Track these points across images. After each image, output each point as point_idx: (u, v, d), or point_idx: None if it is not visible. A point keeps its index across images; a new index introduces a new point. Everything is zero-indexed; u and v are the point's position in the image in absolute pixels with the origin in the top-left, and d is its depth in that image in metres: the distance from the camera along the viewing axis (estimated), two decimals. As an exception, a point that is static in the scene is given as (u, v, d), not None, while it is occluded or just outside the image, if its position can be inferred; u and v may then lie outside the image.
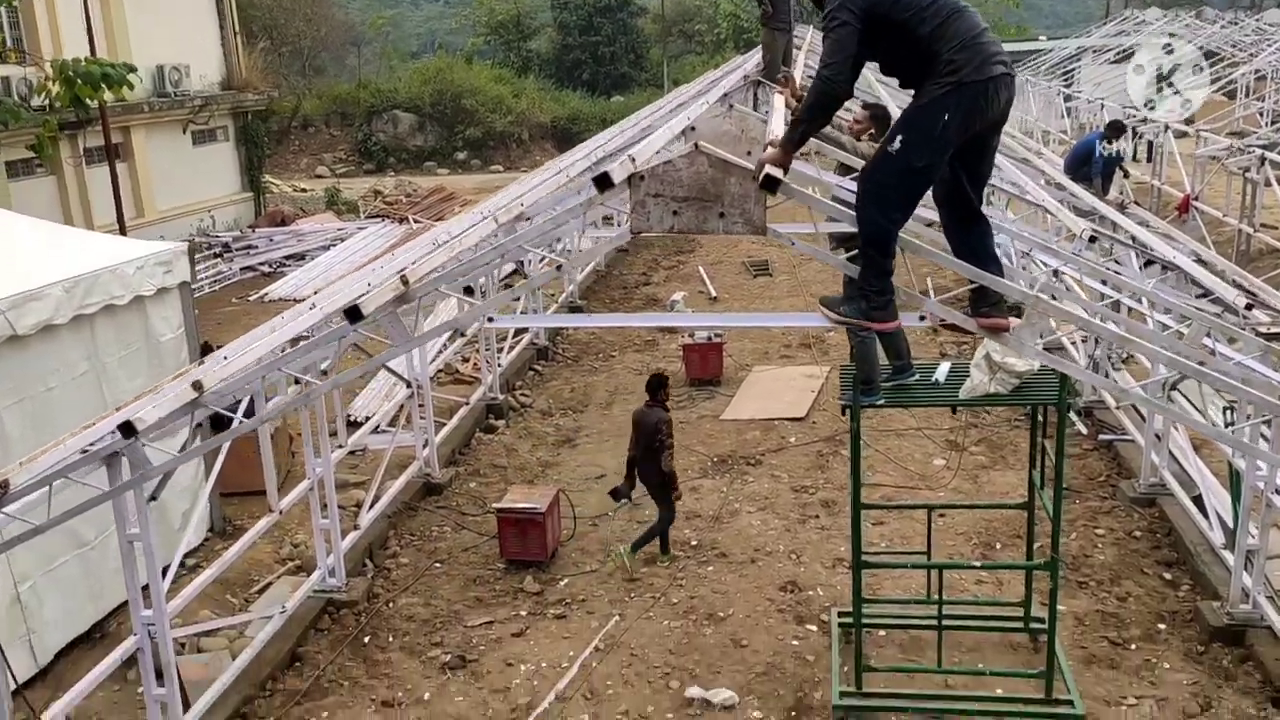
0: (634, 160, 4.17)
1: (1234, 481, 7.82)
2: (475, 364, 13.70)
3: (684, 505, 10.08)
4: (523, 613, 8.34)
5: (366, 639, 8.04)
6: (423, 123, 41.00)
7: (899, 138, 4.55)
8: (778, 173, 4.23)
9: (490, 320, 5.12)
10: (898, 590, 8.18)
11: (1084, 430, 11.31)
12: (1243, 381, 5.01)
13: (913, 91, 4.74)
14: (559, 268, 4.84)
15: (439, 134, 40.77)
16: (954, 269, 4.78)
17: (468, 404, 12.41)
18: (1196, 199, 17.66)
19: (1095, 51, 32.35)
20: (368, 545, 9.24)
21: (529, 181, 7.14)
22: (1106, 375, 11.08)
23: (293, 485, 8.92)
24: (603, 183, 3.95)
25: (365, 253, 21.56)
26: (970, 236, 4.91)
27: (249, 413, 5.84)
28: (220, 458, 7.64)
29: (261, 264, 21.74)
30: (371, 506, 9.58)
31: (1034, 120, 29.44)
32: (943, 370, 6.86)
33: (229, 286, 20.56)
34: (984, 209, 5.01)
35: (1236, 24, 28.21)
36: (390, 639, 8.05)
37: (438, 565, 9.19)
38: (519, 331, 14.93)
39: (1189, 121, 21.50)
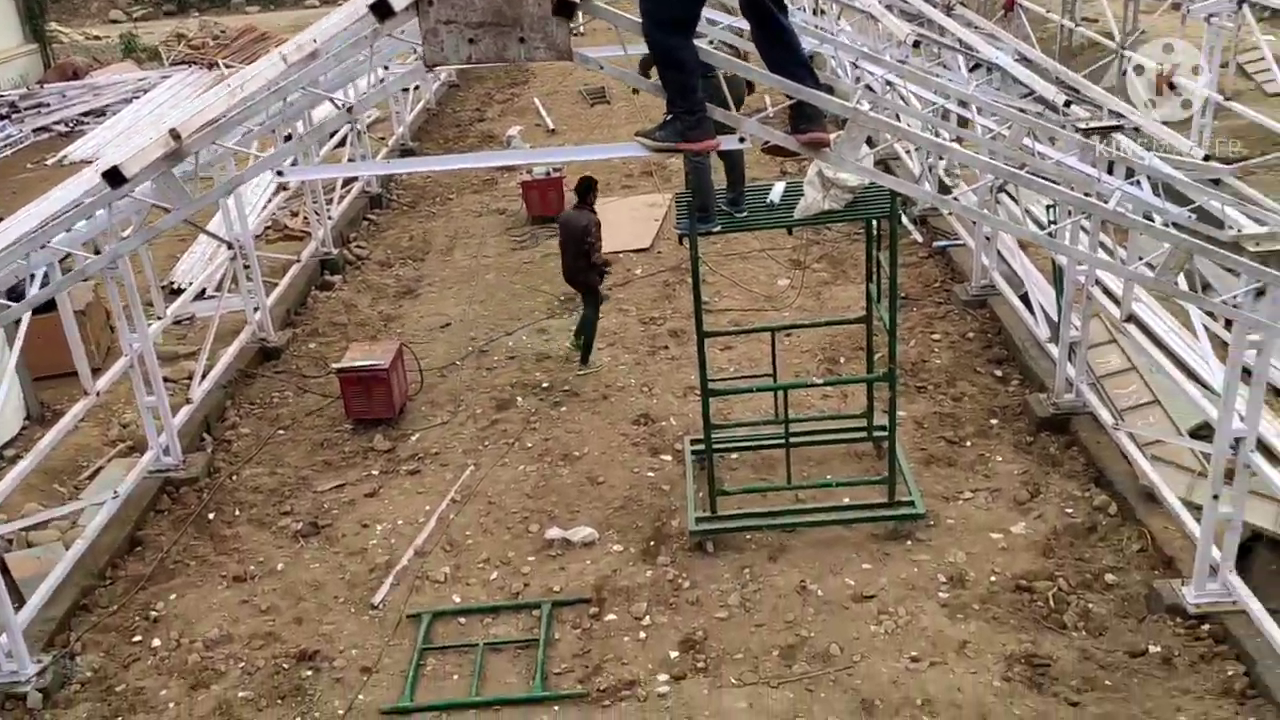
0: (419, -15, 3.75)
1: (1057, 277, 8.09)
2: (304, 218, 12.99)
3: (532, 347, 9.96)
4: (374, 472, 8.16)
5: (211, 515, 7.75)
6: (226, -45, 37.59)
7: None
8: None
9: (280, 173, 4.69)
10: (748, 412, 8.30)
11: (919, 238, 11.54)
12: (1061, 179, 5.05)
13: None
14: (349, 110, 4.43)
15: (245, -33, 37.51)
16: (768, 83, 4.59)
17: (299, 261, 11.80)
18: (1021, -3, 17.73)
19: None
20: (204, 418, 8.81)
21: (329, 17, 6.52)
22: (939, 183, 11.25)
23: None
24: (382, 10, 3.54)
25: (172, 104, 19.97)
26: (776, 46, 4.71)
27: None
28: (18, 340, 7.05)
29: (56, 123, 19.88)
30: (204, 378, 9.10)
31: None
32: (777, 190, 6.76)
33: (22, 151, 18.76)
34: (792, 16, 4.79)
35: None
36: (237, 513, 7.78)
37: (281, 432, 8.86)
38: (349, 180, 14.18)
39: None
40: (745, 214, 6.59)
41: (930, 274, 10.84)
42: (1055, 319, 8.13)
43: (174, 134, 3.53)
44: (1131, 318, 7.24)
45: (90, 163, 16.95)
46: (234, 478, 8.21)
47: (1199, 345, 6.69)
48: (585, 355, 9.49)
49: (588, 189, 9.28)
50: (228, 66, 23.58)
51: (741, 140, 4.60)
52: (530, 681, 5.94)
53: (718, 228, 6.53)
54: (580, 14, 4.14)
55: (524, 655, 6.18)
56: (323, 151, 14.81)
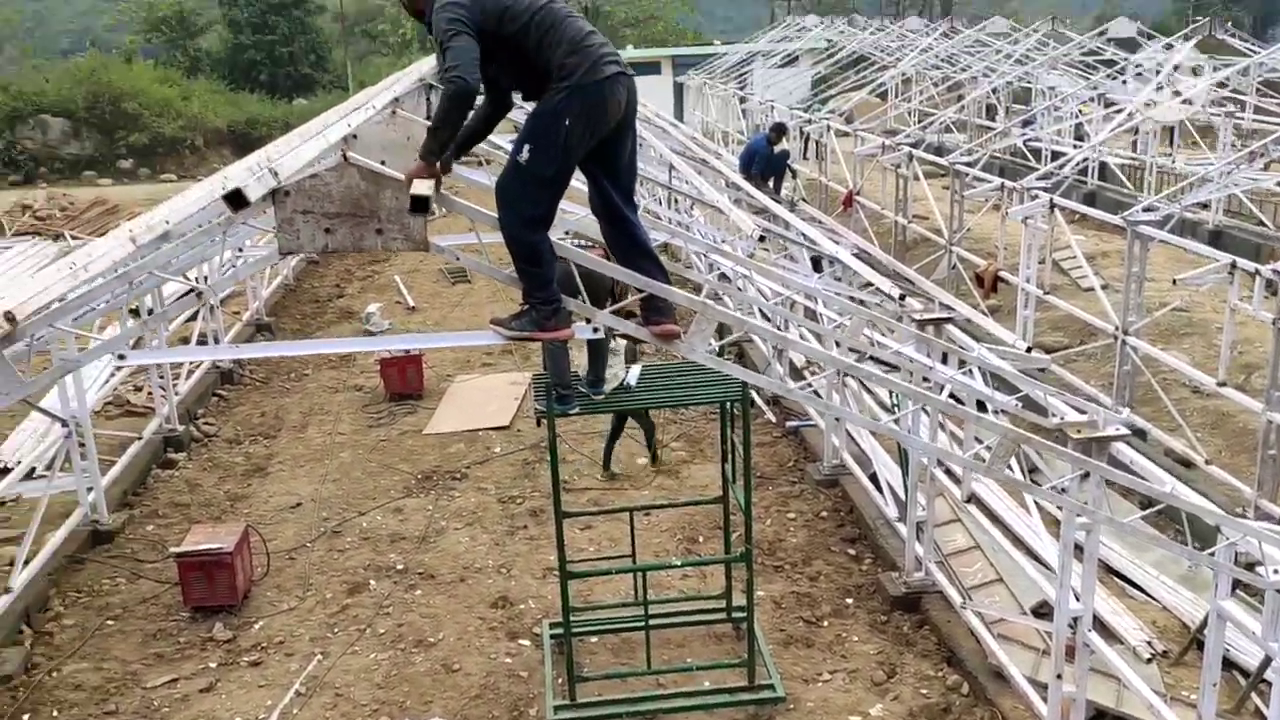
0: (276, 174, 3.83)
1: (903, 458, 8.45)
2: (149, 393, 12.52)
3: (387, 527, 9.70)
4: (212, 664, 7.66)
5: (26, 718, 7.08)
6: (78, 128, 37.20)
7: (526, 147, 4.54)
8: (424, 188, 4.04)
9: (121, 357, 4.57)
10: (609, 594, 8.21)
11: (773, 418, 11.91)
12: (899, 368, 5.36)
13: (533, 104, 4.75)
14: (198, 295, 4.40)
15: (98, 140, 37.15)
16: (619, 277, 4.80)
17: (140, 438, 11.30)
18: (858, 194, 19.12)
19: (765, 55, 34.32)
20: (23, 609, 8.16)
21: (183, 196, 6.48)
22: (790, 366, 11.74)
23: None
24: (236, 200, 3.58)
25: (12, 276, 19.25)
26: (623, 239, 4.97)
27: None
28: None
29: (-119, 293, 18.86)
30: (26, 564, 8.48)
31: (713, 122, 30.85)
32: (634, 373, 6.94)
33: None
34: (644, 208, 5.08)
35: (883, 30, 30.88)
36: (55, 714, 7.15)
37: (110, 622, 8.26)
38: (198, 354, 13.81)
39: (848, 120, 23.24)
40: (602, 397, 6.72)
41: (784, 453, 11.14)
42: (903, 498, 8.44)
43: (8, 316, 3.42)
44: (972, 497, 7.58)
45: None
46: (54, 674, 7.57)
47: (1034, 524, 7.03)
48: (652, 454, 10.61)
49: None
50: (74, 239, 23.05)
51: (595, 330, 4.75)
52: None
53: (575, 409, 6.63)
54: (435, 205, 4.28)
55: None
56: (172, 326, 14.47)
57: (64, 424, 9.42)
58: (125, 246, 4.50)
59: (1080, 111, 22.21)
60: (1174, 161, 20.39)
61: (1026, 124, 22.72)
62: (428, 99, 7.03)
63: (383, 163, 4.61)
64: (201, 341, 13.85)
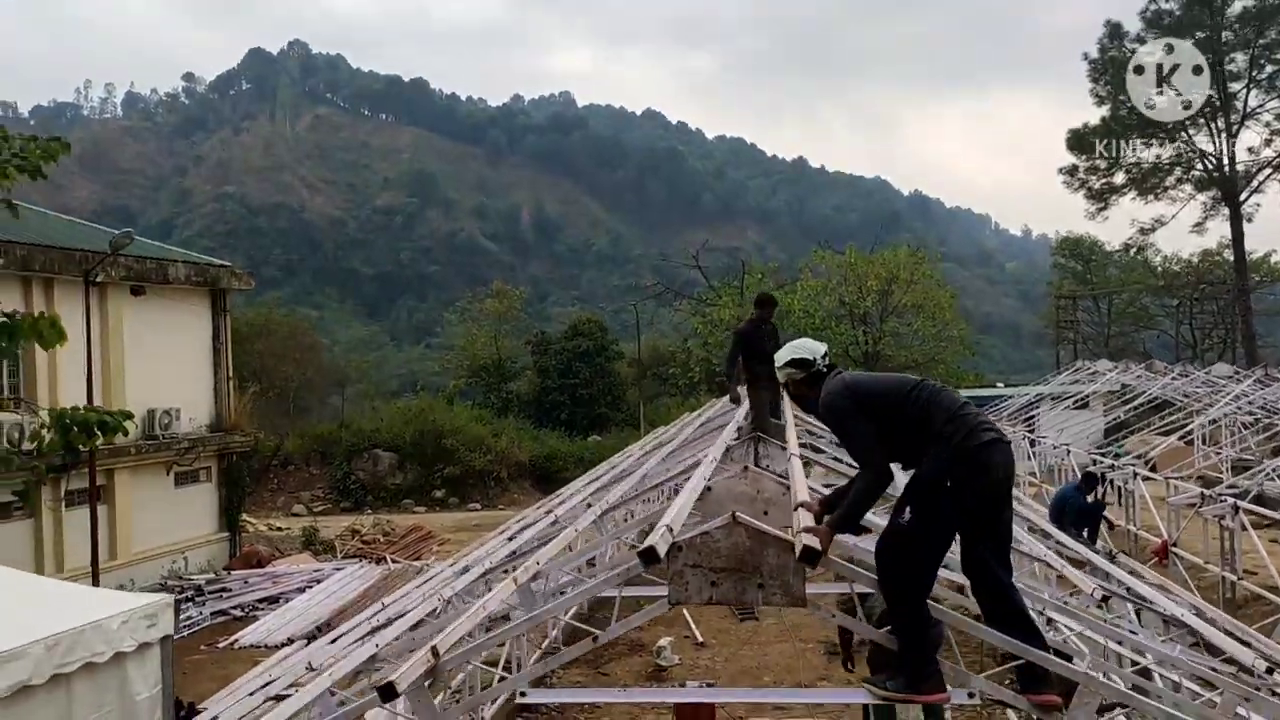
0: (671, 530, 4.20)
1: None
2: None
3: None
4: None
5: None
6: (402, 461, 41.49)
7: (907, 509, 4.73)
8: (815, 543, 4.29)
9: (523, 694, 4.92)
10: None
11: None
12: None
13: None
14: (595, 639, 4.78)
15: (418, 472, 41.15)
16: (997, 643, 4.72)
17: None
18: (1174, 545, 17.84)
19: (1053, 398, 33.87)
20: None
21: (532, 529, 7.12)
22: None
23: None
24: (649, 557, 3.98)
25: (340, 595, 21.08)
26: (994, 602, 4.92)
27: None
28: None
29: (234, 608, 21.10)
30: None
31: (1003, 465, 30.23)
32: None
33: (198, 632, 19.80)
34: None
35: (1186, 375, 29.86)
36: None
37: None
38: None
39: (1152, 468, 22.15)
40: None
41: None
42: None
43: (434, 651, 3.83)
44: None
45: (259, 647, 17.78)
46: None
47: None
48: None
49: None
50: (394, 561, 25.12)
51: (970, 695, 4.66)
52: None
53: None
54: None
55: None
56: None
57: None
58: (508, 586, 5.00)
59: None
60: None
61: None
62: (755, 449, 7.48)
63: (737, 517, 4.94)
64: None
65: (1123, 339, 59.22)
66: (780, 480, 5.51)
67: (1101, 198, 54.11)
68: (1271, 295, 61.95)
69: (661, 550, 3.96)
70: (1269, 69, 50.55)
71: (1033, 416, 35.03)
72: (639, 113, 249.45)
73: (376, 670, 5.21)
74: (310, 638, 18.20)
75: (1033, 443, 30.73)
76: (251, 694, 6.85)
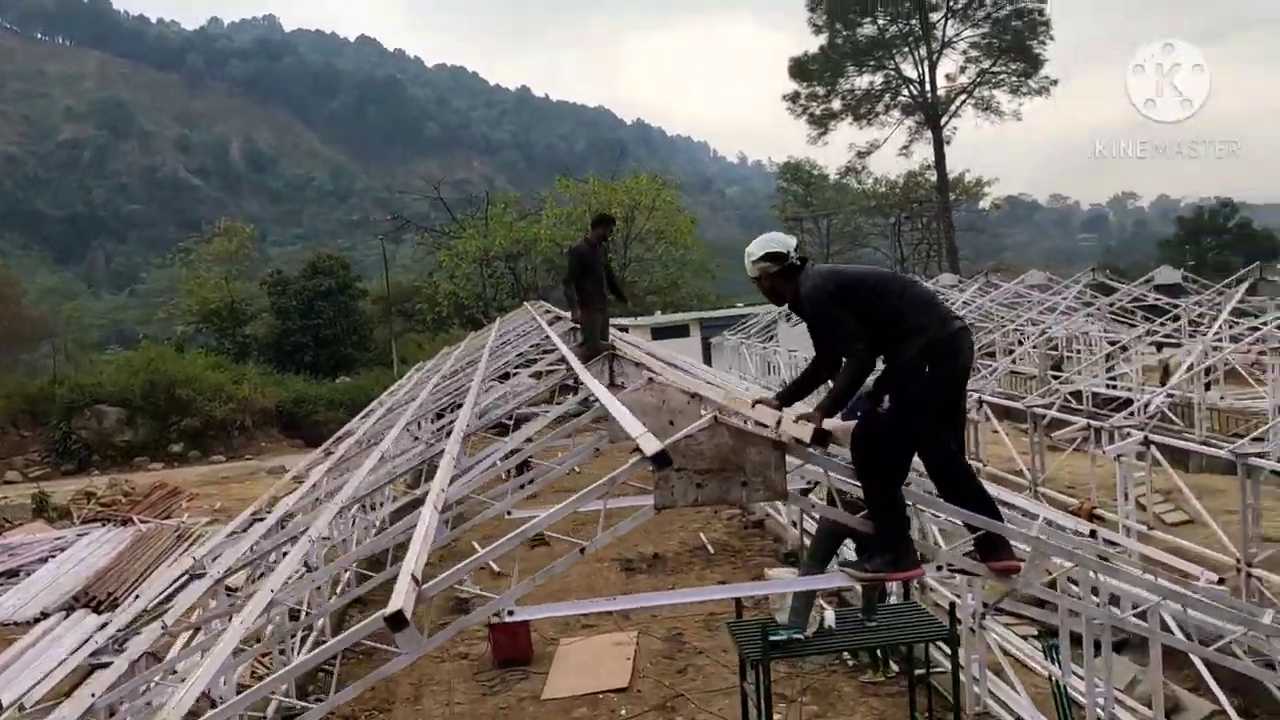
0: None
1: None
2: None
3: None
4: None
5: None
6: (131, 416, 38.45)
7: (886, 399, 4.95)
8: (806, 432, 4.43)
9: (511, 613, 4.88)
10: None
11: (896, 667, 11.71)
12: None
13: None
14: (582, 551, 4.78)
15: (151, 427, 38.28)
16: (960, 518, 5.06)
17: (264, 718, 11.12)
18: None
19: (786, 316, 35.96)
20: None
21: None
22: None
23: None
24: (662, 460, 4.03)
25: (91, 563, 19.46)
26: (953, 481, 5.26)
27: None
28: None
29: (-37, 586, 18.98)
30: None
31: (753, 377, 31.94)
32: (830, 616, 7.07)
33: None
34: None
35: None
36: None
37: None
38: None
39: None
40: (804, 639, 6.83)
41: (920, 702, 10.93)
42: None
43: (414, 578, 3.71)
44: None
45: (6, 625, 16.16)
46: None
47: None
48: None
49: None
50: (144, 522, 23.41)
51: (939, 568, 5.00)
52: None
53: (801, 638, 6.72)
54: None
55: None
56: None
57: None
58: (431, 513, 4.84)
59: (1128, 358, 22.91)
60: (1222, 399, 21.02)
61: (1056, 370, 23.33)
62: (610, 367, 7.52)
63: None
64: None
65: (842, 257, 63.50)
66: (684, 391, 5.64)
67: (822, 123, 57.47)
68: (963, 212, 68.18)
69: (648, 449, 3.99)
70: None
71: (773, 335, 37.11)
72: (352, 39, 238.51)
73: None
74: (68, 609, 16.78)
75: (764, 356, 32.64)
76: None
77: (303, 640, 13.08)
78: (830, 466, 4.85)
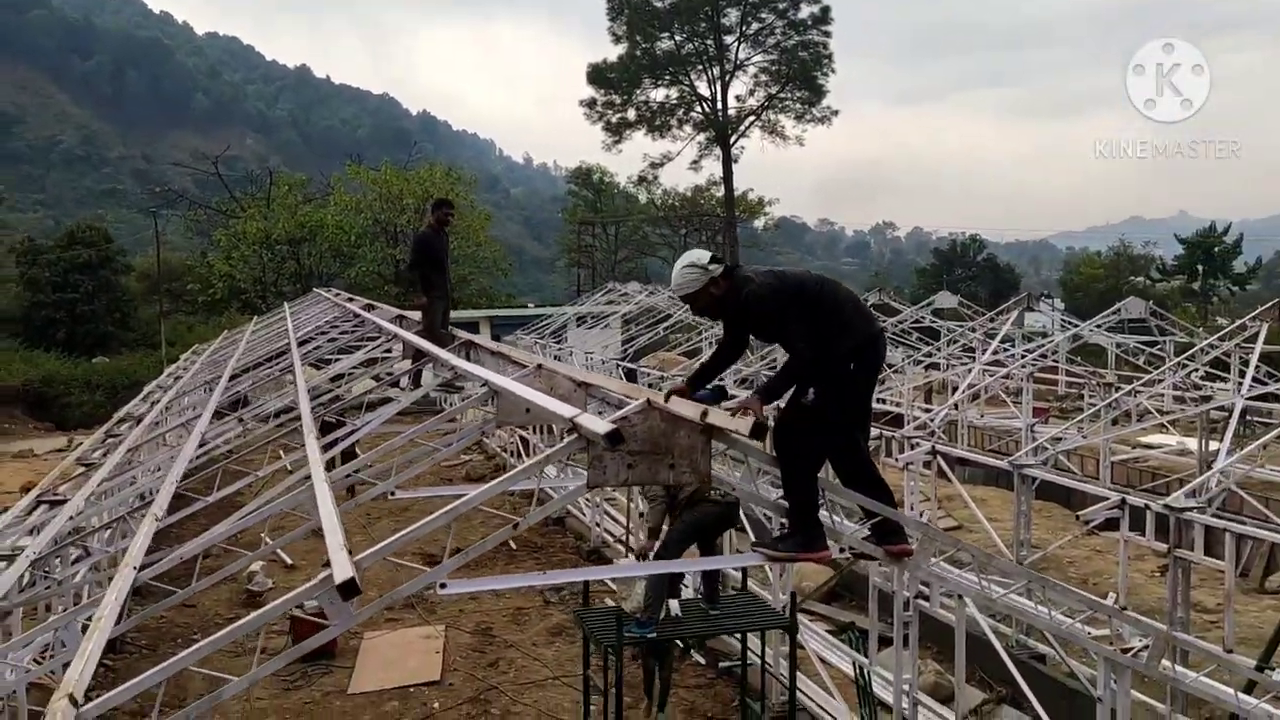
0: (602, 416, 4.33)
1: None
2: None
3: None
4: None
5: None
6: None
7: (812, 391, 5.26)
8: (746, 424, 4.65)
9: (444, 587, 4.80)
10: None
11: (701, 660, 12.15)
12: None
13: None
14: (515, 526, 4.77)
15: None
16: (861, 504, 5.44)
17: None
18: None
19: (593, 317, 36.56)
20: None
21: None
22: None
23: None
24: (615, 439, 4.14)
25: None
26: (854, 469, 5.62)
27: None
28: None
29: None
30: None
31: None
32: (675, 605, 7.38)
33: None
34: None
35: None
36: None
37: None
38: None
39: (661, 377, 24.93)
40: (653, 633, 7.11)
41: (724, 693, 11.41)
42: None
43: (349, 551, 3.67)
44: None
45: None
46: None
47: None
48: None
49: None
50: None
51: (841, 550, 5.33)
52: None
53: (653, 634, 6.97)
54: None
55: None
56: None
57: None
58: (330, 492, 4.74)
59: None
60: (982, 417, 23.15)
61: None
62: (467, 353, 7.55)
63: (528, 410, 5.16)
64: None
65: (628, 264, 64.83)
66: (570, 378, 5.77)
67: (617, 131, 58.43)
68: (743, 229, 71.10)
69: (600, 429, 4.11)
70: (755, 26, 57.43)
71: (564, 336, 37.55)
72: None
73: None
74: None
75: (558, 357, 33.03)
76: None
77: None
78: (752, 453, 5.14)
